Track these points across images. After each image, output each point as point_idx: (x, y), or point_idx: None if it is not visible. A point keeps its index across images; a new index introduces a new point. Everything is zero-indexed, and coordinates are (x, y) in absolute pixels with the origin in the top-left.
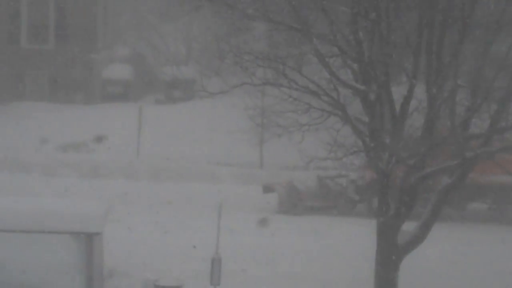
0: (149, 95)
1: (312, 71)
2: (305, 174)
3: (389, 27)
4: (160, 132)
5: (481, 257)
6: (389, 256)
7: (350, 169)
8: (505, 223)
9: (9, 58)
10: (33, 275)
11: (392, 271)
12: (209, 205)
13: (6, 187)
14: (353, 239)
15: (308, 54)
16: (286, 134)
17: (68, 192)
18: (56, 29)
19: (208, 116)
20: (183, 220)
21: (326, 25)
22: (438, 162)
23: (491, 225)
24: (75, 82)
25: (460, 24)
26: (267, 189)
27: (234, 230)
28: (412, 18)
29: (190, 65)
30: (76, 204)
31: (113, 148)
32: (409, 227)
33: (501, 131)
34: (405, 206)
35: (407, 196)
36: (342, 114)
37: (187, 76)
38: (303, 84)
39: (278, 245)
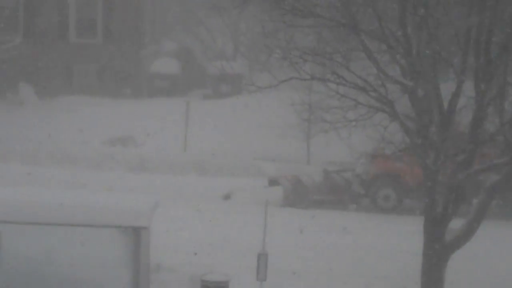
0: (197, 89)
1: (359, 66)
2: (311, 168)
3: (437, 22)
4: (207, 127)
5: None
6: (436, 253)
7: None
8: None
9: (58, 52)
10: (80, 268)
11: (439, 268)
12: (255, 200)
13: (54, 181)
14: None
15: (356, 50)
16: (333, 129)
17: (115, 186)
18: (104, 23)
19: (255, 111)
20: (229, 215)
21: (374, 21)
22: (486, 159)
23: (497, 221)
24: (122, 76)
25: (509, 20)
26: (273, 182)
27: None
28: (461, 13)
29: (237, 60)
30: (123, 198)
31: (160, 143)
32: (454, 224)
33: None
34: (453, 203)
35: (455, 193)
36: (390, 110)
37: (234, 71)
38: (351, 80)
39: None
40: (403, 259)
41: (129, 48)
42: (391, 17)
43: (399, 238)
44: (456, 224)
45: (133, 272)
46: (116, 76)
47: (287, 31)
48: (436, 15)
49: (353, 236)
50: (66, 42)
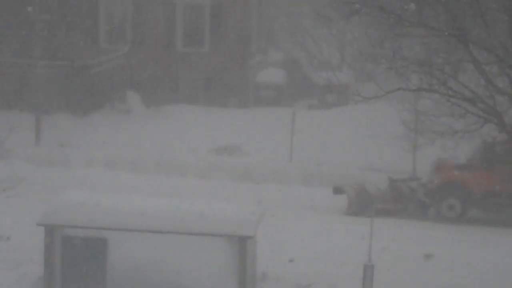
0: (302, 99)
1: (468, 77)
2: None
3: None
4: (313, 137)
5: None
6: None
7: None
8: None
9: (165, 61)
10: (187, 276)
11: None
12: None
13: (161, 190)
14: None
15: (464, 61)
16: (439, 140)
17: (221, 195)
18: (211, 33)
19: (361, 121)
20: (334, 225)
21: (483, 32)
22: None
23: None
24: (229, 85)
25: None
26: (337, 190)
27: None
28: None
29: (344, 70)
30: (230, 207)
31: (266, 152)
32: None
33: None
34: None
35: None
36: (498, 121)
37: (341, 81)
38: (459, 91)
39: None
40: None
41: (235, 58)
42: (500, 28)
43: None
44: None
45: (239, 281)
46: (223, 85)
47: (394, 41)
48: None
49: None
50: (173, 51)
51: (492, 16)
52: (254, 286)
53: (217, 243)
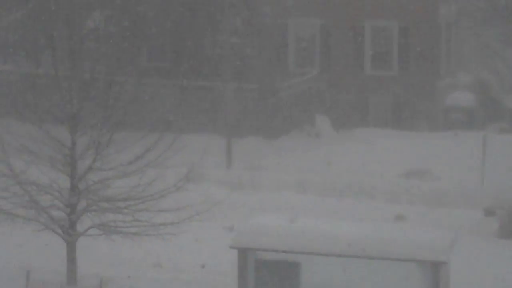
0: (493, 123)
1: None
2: None
3: None
4: (505, 161)
5: None
6: None
7: None
8: None
9: (354, 85)
10: None
11: None
12: None
13: (351, 213)
14: None
15: None
16: None
17: (411, 219)
18: (399, 55)
19: None
20: None
21: None
22: None
23: None
24: (417, 108)
25: None
26: (489, 212)
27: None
28: None
29: None
30: (422, 232)
31: (456, 176)
32: None
33: None
34: None
35: None
36: None
37: None
38: None
39: None
40: None
41: (424, 80)
42: None
43: None
44: None
45: None
46: (411, 108)
47: None
48: None
49: None
50: (361, 74)
51: None
52: None
53: (410, 268)
